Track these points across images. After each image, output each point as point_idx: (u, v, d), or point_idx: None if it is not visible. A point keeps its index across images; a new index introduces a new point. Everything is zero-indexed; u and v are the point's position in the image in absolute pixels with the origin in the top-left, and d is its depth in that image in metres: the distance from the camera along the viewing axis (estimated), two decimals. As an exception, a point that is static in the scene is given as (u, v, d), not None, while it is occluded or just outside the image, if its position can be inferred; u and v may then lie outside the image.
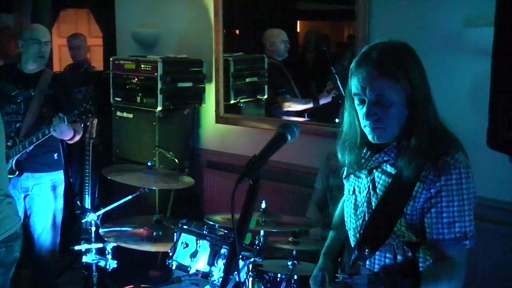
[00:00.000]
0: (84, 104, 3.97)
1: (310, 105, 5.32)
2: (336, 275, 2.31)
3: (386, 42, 2.06)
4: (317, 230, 3.69)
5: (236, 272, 1.82)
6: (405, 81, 1.95)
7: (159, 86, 4.79)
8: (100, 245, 3.85)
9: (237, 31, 6.18)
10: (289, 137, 1.95)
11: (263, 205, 3.34)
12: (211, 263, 3.10)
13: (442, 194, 1.96)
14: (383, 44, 2.05)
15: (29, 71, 4.30)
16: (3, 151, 3.14)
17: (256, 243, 3.06)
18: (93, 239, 3.90)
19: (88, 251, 3.88)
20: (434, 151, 1.97)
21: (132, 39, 5.63)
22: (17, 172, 4.19)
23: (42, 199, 4.32)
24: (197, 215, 3.77)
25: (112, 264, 3.80)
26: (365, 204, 2.15)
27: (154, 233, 3.81)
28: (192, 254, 3.19)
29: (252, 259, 2.99)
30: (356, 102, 2.05)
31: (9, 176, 3.71)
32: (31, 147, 4.12)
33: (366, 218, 2.14)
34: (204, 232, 3.19)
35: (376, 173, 2.12)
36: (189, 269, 3.21)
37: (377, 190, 2.11)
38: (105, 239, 3.77)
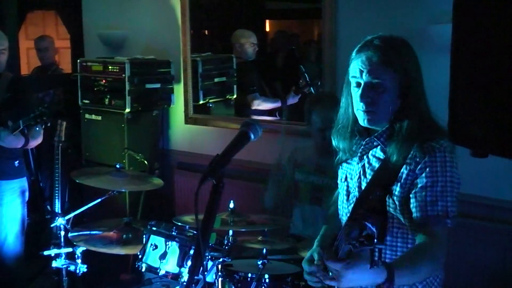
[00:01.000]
0: (39, 107, 3.84)
1: (279, 104, 5.33)
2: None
3: (388, 35, 2.15)
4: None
5: (202, 272, 1.82)
6: (402, 71, 2.07)
7: (127, 87, 4.76)
8: (70, 249, 3.81)
9: (206, 32, 6.16)
10: (252, 136, 1.96)
11: (232, 205, 3.33)
12: (180, 264, 3.09)
13: (427, 175, 2.03)
14: (385, 35, 2.14)
15: None
16: None
17: (225, 243, 3.05)
18: (62, 244, 3.86)
19: (57, 256, 3.84)
20: (421, 136, 2.06)
21: (99, 41, 5.59)
22: None
23: (3, 207, 4.19)
24: (168, 217, 3.75)
25: (82, 268, 3.77)
26: (356, 189, 2.22)
27: (124, 236, 3.78)
28: (162, 255, 3.17)
29: (221, 259, 2.99)
30: (353, 84, 2.14)
31: None
32: None
33: None
34: (173, 233, 3.18)
35: (366, 159, 2.20)
36: (158, 271, 3.19)
37: (367, 175, 2.18)
38: (74, 243, 3.73)
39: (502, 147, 1.28)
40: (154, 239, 3.27)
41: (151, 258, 3.26)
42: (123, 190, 4.26)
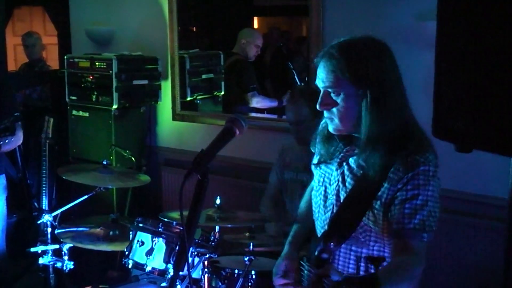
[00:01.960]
0: (5, 121, 3.62)
1: (275, 104, 5.36)
2: (301, 262, 2.32)
3: (347, 39, 2.10)
4: (272, 225, 3.69)
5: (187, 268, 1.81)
6: (356, 77, 2.00)
7: (114, 84, 4.74)
8: (57, 246, 3.78)
9: (194, 28, 6.16)
10: (237, 131, 1.95)
11: (218, 201, 3.32)
12: (167, 260, 3.08)
13: (408, 188, 1.99)
14: (344, 41, 2.09)
15: None
16: None
17: (212, 239, 3.04)
18: (49, 241, 3.84)
19: (44, 253, 3.81)
20: (406, 149, 2.00)
21: (86, 37, 5.56)
22: None
23: None
24: (156, 213, 3.74)
25: (69, 265, 3.75)
26: (334, 196, 2.18)
27: (111, 233, 3.77)
28: (148, 252, 3.17)
29: (207, 256, 2.98)
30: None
31: None
32: None
33: (335, 211, 2.16)
34: (160, 229, 3.17)
35: (346, 166, 2.15)
36: (145, 267, 3.18)
37: (346, 184, 2.14)
38: (61, 240, 3.72)
39: (486, 141, 1.28)
40: (141, 235, 3.26)
41: (138, 254, 3.25)
42: (110, 187, 4.24)
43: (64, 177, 3.97)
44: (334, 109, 2.05)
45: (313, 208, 2.32)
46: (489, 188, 3.60)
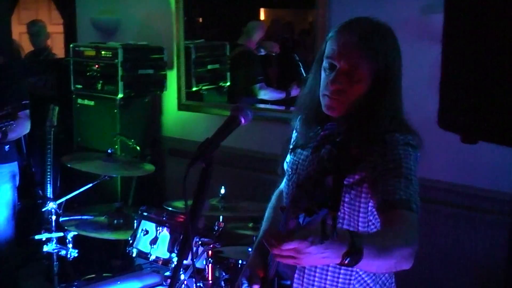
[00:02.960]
0: (8, 107, 3.69)
1: (283, 96, 5.36)
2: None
3: (373, 18, 1.93)
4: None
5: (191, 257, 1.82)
6: (382, 62, 1.86)
7: (120, 73, 4.73)
8: (61, 234, 3.80)
9: (200, 19, 6.15)
10: (242, 120, 1.92)
11: (222, 191, 3.33)
12: (171, 249, 3.10)
13: (388, 161, 1.81)
14: (370, 19, 1.92)
15: None
16: None
17: (215, 229, 3.05)
18: (53, 229, 3.86)
19: (48, 240, 3.83)
20: (388, 129, 1.86)
21: (92, 26, 5.56)
22: None
23: None
24: (160, 202, 3.75)
25: (73, 253, 3.76)
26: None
27: (115, 221, 3.78)
28: (152, 241, 3.18)
29: (211, 245, 2.99)
30: (325, 65, 1.91)
31: None
32: None
33: None
34: (164, 218, 3.18)
35: (324, 150, 1.95)
36: (149, 256, 3.20)
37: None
38: (66, 228, 3.73)
39: (491, 133, 1.28)
40: (145, 224, 3.27)
41: (142, 243, 3.26)
42: (115, 176, 4.25)
43: (68, 165, 3.99)
44: (348, 91, 1.87)
45: (285, 200, 2.14)
46: (494, 182, 3.60)
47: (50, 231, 3.85)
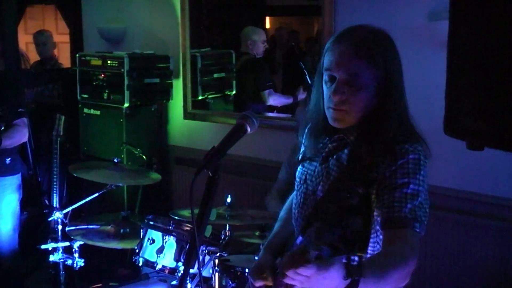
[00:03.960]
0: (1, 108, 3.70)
1: (291, 101, 5.36)
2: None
3: (368, 25, 1.93)
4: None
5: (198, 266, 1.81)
6: (382, 68, 1.85)
7: (126, 82, 4.75)
8: (67, 243, 3.80)
9: (206, 27, 6.16)
10: (248, 129, 1.92)
11: (229, 199, 3.32)
12: (177, 258, 3.10)
13: (397, 176, 1.82)
14: (365, 26, 1.92)
15: None
16: None
17: (222, 237, 3.05)
18: (60, 238, 3.86)
19: (55, 250, 3.83)
20: (396, 139, 1.86)
21: (98, 35, 5.58)
22: None
23: None
24: (166, 211, 3.75)
25: (80, 262, 3.77)
26: (316, 192, 2.00)
27: (121, 230, 3.78)
28: (159, 250, 3.18)
29: (217, 254, 2.98)
30: (325, 78, 1.91)
31: None
32: None
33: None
34: (170, 227, 3.18)
35: (332, 161, 1.98)
36: (155, 265, 3.19)
37: (331, 178, 1.96)
38: (72, 237, 3.73)
39: (498, 139, 1.27)
40: (152, 233, 3.27)
41: (148, 252, 3.26)
42: (121, 185, 4.25)
43: (75, 175, 3.99)
44: (351, 100, 1.86)
45: (293, 210, 2.11)
46: (500, 189, 3.59)
47: (56, 241, 3.84)
